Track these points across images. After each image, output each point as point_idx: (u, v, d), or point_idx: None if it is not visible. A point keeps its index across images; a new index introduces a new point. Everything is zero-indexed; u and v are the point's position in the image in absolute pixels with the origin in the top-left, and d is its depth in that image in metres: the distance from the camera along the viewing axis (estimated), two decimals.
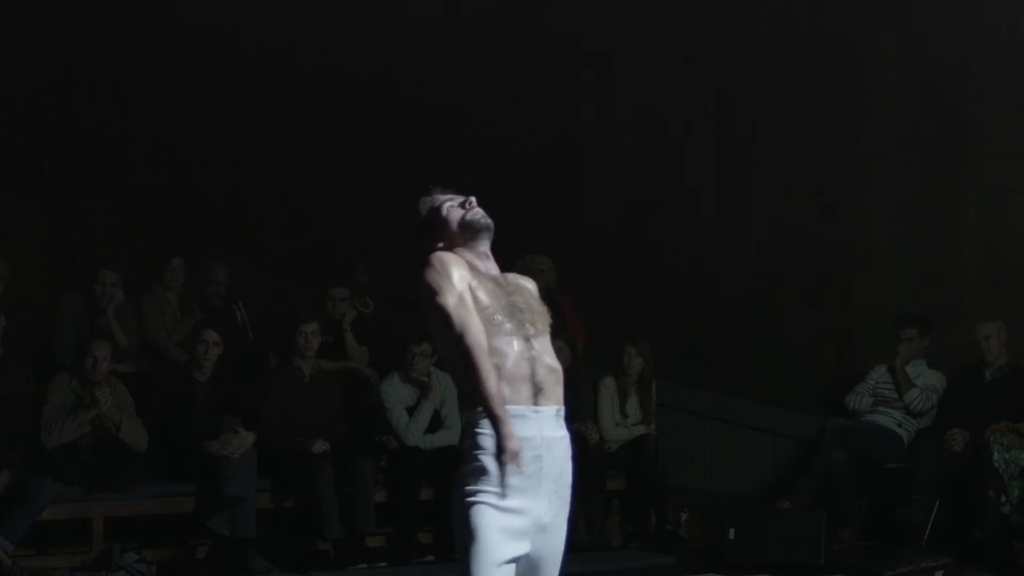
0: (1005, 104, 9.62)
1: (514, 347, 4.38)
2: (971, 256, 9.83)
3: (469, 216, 4.54)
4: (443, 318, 4.31)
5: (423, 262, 4.39)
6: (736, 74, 10.63)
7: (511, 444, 4.21)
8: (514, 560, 4.32)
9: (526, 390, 4.36)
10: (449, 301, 4.32)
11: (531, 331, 4.42)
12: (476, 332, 4.29)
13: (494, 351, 4.34)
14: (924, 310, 9.62)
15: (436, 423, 9.18)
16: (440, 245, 4.51)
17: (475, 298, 4.37)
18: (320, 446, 8.87)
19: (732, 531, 8.86)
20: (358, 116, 11.24)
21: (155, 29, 10.82)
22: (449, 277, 4.34)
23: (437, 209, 4.58)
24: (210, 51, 10.89)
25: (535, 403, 4.37)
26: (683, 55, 10.70)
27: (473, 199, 4.58)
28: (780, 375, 10.20)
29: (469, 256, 4.50)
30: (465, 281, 4.36)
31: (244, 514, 8.49)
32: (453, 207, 4.56)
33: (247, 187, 11.22)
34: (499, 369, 4.34)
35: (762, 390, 10.25)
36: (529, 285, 4.61)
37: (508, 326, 4.38)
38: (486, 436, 4.31)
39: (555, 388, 4.44)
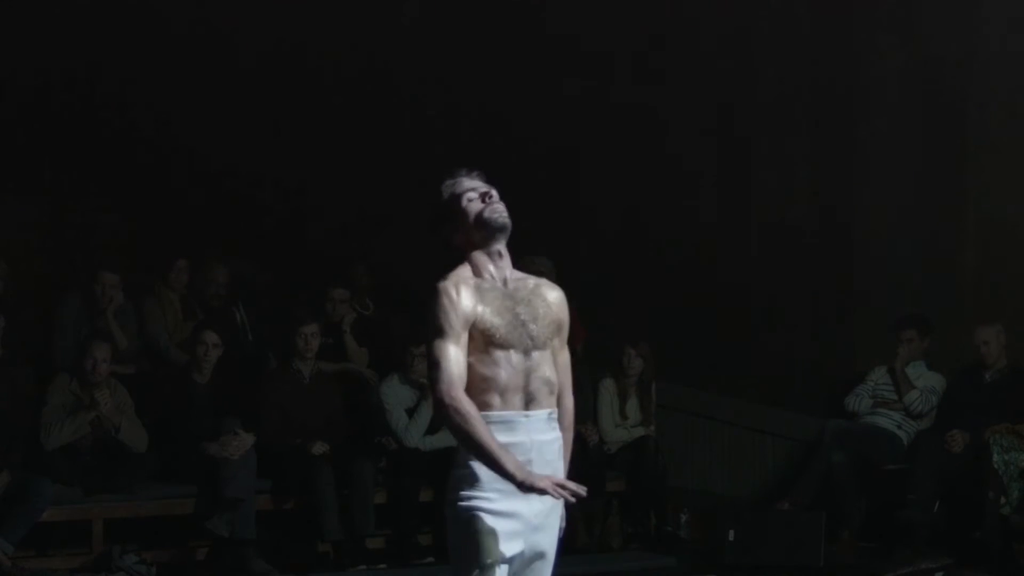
0: (1005, 104, 9.62)
1: (511, 360, 4.38)
2: (971, 256, 9.83)
3: (487, 214, 4.46)
4: (433, 366, 4.31)
5: (431, 291, 4.37)
6: (736, 74, 10.62)
7: (541, 484, 4.23)
8: (507, 561, 4.35)
9: (518, 399, 4.39)
10: (449, 351, 4.30)
11: (529, 344, 4.41)
12: (466, 404, 4.27)
13: (490, 362, 4.37)
14: (924, 311, 9.62)
15: (436, 424, 9.18)
16: (456, 238, 4.47)
17: (480, 322, 4.35)
18: (320, 447, 8.88)
19: (732, 532, 8.86)
20: (358, 116, 11.24)
21: (155, 30, 10.81)
22: (453, 320, 4.31)
23: (457, 198, 4.49)
24: (210, 52, 10.88)
25: (526, 409, 4.40)
26: (683, 55, 10.69)
27: (494, 193, 4.50)
28: (780, 376, 10.20)
29: (481, 259, 4.46)
30: (467, 319, 4.34)
31: (244, 515, 8.50)
32: (473, 200, 4.48)
33: (246, 188, 11.20)
34: (492, 380, 4.36)
35: (762, 391, 10.25)
36: (550, 295, 4.54)
37: (509, 340, 4.38)
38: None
39: (548, 397, 4.46)
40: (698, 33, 10.68)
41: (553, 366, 4.50)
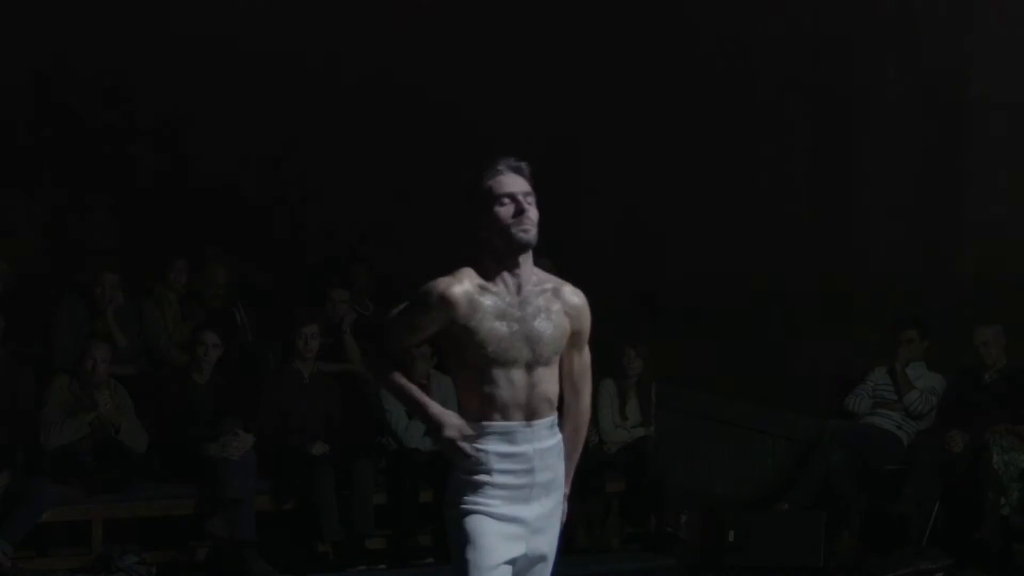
0: (1005, 105, 9.61)
1: (511, 377, 4.33)
2: (971, 256, 9.83)
3: (513, 230, 4.31)
4: (379, 342, 4.45)
5: (424, 287, 4.34)
6: (736, 74, 10.62)
7: (448, 428, 4.32)
8: (510, 562, 4.35)
9: (519, 414, 4.36)
10: (395, 337, 4.43)
11: (532, 359, 4.34)
12: (386, 373, 4.42)
13: (490, 380, 4.32)
14: (924, 311, 9.62)
15: None
16: (479, 232, 4.34)
17: (468, 329, 4.30)
18: (320, 448, 8.88)
19: (732, 533, 8.88)
20: (358, 117, 11.24)
21: (158, 30, 10.82)
22: (419, 318, 4.36)
23: (491, 198, 4.34)
24: (212, 52, 10.89)
25: (527, 421, 4.37)
26: (683, 55, 10.69)
27: (529, 205, 4.34)
28: (780, 376, 10.19)
29: (495, 268, 4.35)
30: (439, 325, 4.33)
31: (244, 516, 8.50)
32: (506, 206, 4.34)
33: (247, 188, 11.21)
34: (493, 398, 4.32)
35: (762, 391, 10.24)
36: (568, 302, 4.42)
37: (507, 355, 4.31)
38: (478, 446, 4.34)
39: (549, 410, 4.43)
40: (698, 33, 10.68)
41: (555, 380, 4.42)
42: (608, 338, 9.96)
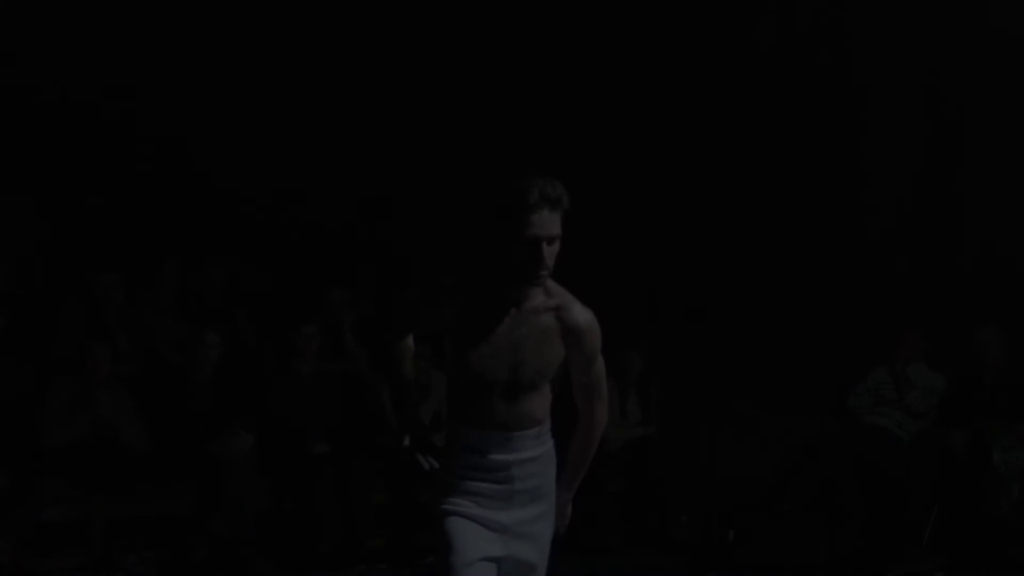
0: (1004, 105, 9.62)
1: (489, 397, 4.29)
2: (970, 256, 9.84)
3: (524, 271, 4.16)
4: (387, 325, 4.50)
5: (424, 287, 4.37)
6: (738, 74, 10.63)
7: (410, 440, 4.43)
8: (490, 559, 4.34)
9: (497, 426, 4.33)
10: (402, 321, 4.45)
11: (511, 380, 4.28)
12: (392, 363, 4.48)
13: (469, 394, 4.31)
14: (923, 312, 9.62)
15: (436, 425, 9.18)
16: (494, 245, 4.21)
17: (454, 344, 4.29)
18: (320, 447, 8.88)
19: (732, 532, 8.87)
20: (359, 117, 11.24)
21: (157, 29, 10.82)
22: (410, 315, 4.41)
23: (515, 234, 4.12)
24: (210, 52, 10.89)
25: (507, 432, 4.34)
26: (684, 56, 10.70)
27: (551, 246, 4.15)
28: (780, 376, 10.20)
29: (497, 280, 4.26)
30: (433, 319, 4.34)
31: (244, 516, 8.50)
32: (523, 249, 4.13)
33: (247, 187, 11.21)
34: (471, 400, 4.31)
35: (762, 391, 10.25)
36: (568, 323, 4.27)
37: (489, 375, 4.26)
38: (457, 449, 4.36)
39: (532, 424, 4.37)
40: (698, 32, 10.69)
41: (541, 399, 4.37)
42: (608, 338, 10.05)
